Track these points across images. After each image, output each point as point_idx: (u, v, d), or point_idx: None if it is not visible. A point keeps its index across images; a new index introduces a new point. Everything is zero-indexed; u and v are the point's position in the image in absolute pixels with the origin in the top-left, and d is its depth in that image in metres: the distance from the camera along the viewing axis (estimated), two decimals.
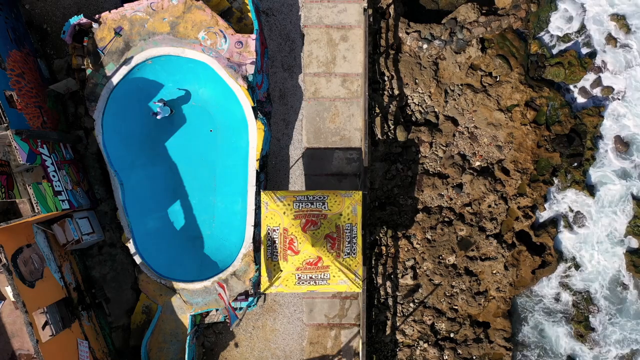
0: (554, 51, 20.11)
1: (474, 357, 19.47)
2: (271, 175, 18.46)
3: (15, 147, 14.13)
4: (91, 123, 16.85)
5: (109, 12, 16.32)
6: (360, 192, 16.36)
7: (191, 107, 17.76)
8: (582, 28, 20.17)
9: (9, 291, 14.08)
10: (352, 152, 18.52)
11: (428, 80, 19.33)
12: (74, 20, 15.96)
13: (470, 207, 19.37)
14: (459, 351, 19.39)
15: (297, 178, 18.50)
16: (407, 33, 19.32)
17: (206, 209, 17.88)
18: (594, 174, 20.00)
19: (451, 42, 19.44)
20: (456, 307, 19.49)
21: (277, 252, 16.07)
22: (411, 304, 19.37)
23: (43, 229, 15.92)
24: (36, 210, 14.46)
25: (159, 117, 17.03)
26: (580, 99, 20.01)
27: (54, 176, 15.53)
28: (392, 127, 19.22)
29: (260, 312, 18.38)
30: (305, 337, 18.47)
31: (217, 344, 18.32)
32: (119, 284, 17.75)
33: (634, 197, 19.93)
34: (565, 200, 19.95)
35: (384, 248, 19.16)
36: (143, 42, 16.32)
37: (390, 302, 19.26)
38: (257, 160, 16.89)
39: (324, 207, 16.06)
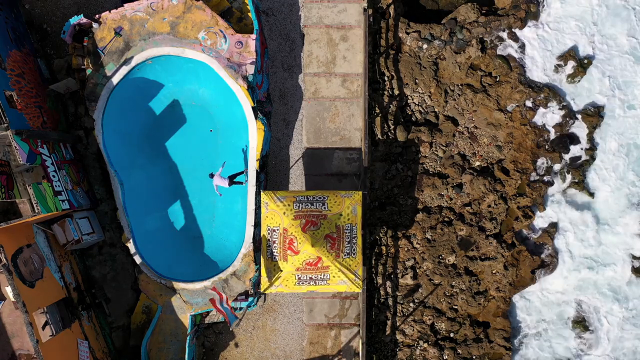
0: (554, 52, 20.09)
1: (474, 357, 19.49)
2: (271, 175, 18.46)
3: (15, 147, 14.13)
4: (91, 123, 16.85)
5: (109, 12, 16.31)
6: (360, 192, 16.38)
7: (191, 107, 17.77)
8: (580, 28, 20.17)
9: (9, 291, 14.07)
10: (352, 152, 18.53)
11: (428, 80, 19.35)
12: (74, 20, 15.96)
13: (470, 207, 19.39)
14: (459, 351, 19.41)
15: (297, 178, 18.51)
16: (407, 33, 19.33)
17: (206, 209, 17.89)
18: (594, 173, 19.99)
19: (451, 42, 19.45)
20: (456, 307, 19.51)
21: (277, 252, 16.08)
22: (411, 304, 19.38)
23: (43, 229, 15.93)
24: (36, 210, 14.46)
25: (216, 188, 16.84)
26: (580, 99, 19.98)
27: (54, 176, 15.52)
28: (392, 127, 19.23)
29: (260, 312, 18.39)
30: (305, 337, 18.48)
31: (217, 344, 18.33)
32: (119, 284, 17.76)
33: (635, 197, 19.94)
34: (565, 200, 19.94)
35: (384, 248, 19.18)
36: (143, 42, 16.32)
37: (390, 302, 19.28)
38: (257, 160, 16.89)
39: (324, 208, 16.07)
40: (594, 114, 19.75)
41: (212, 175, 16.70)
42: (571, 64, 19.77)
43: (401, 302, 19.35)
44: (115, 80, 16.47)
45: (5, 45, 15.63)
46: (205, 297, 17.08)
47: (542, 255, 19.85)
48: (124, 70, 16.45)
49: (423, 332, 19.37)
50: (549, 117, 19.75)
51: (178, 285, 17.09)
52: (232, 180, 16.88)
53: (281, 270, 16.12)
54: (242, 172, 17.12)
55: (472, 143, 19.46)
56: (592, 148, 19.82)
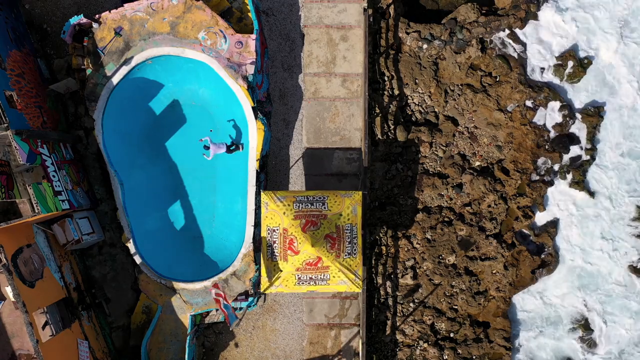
0: (553, 52, 20.09)
1: (474, 357, 19.49)
2: (271, 175, 18.47)
3: (15, 147, 14.13)
4: (91, 123, 16.85)
5: (109, 12, 16.31)
6: (360, 192, 16.38)
7: (191, 107, 17.77)
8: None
9: (9, 291, 14.07)
10: (352, 152, 18.53)
11: (428, 80, 19.35)
12: (74, 20, 15.96)
13: (470, 207, 19.39)
14: (459, 351, 19.41)
15: (297, 178, 18.51)
16: (407, 33, 19.34)
17: (206, 209, 17.89)
18: (594, 174, 19.99)
19: (451, 42, 19.46)
20: (456, 307, 19.51)
21: (277, 253, 16.08)
22: (411, 304, 19.39)
23: (43, 229, 15.92)
24: (36, 210, 14.46)
25: (210, 154, 16.67)
26: (580, 99, 19.98)
27: (54, 176, 15.52)
28: (392, 127, 19.23)
29: (260, 312, 18.40)
30: (305, 337, 18.48)
31: (217, 344, 18.33)
32: (119, 284, 17.76)
33: (635, 199, 19.94)
34: (565, 200, 19.93)
35: (384, 248, 19.18)
36: (143, 42, 16.32)
37: (390, 302, 19.28)
38: (257, 160, 16.90)
39: (324, 208, 16.07)
40: (594, 114, 19.76)
41: (207, 148, 16.74)
42: (571, 64, 19.78)
43: (401, 302, 19.35)
44: (115, 80, 16.47)
45: (5, 45, 15.63)
46: (205, 297, 17.08)
47: (542, 255, 19.85)
48: (124, 70, 16.45)
49: (423, 332, 19.37)
50: (549, 117, 19.75)
51: (178, 285, 17.09)
52: (229, 148, 17.01)
53: (281, 270, 16.12)
54: (233, 144, 17.19)
55: (472, 143, 19.46)
56: (592, 148, 19.83)
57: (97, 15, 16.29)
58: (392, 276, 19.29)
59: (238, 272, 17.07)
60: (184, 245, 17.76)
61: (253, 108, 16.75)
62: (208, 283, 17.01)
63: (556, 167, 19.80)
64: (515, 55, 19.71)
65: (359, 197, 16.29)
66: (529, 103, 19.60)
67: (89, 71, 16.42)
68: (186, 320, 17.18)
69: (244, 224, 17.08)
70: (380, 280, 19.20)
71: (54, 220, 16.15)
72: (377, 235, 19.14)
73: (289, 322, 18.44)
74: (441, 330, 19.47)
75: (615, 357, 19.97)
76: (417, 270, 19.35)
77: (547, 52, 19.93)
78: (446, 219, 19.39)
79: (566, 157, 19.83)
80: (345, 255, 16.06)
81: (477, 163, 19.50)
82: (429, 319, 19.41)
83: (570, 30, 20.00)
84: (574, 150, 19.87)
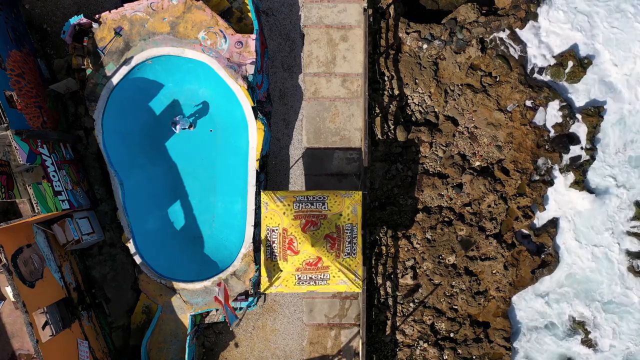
0: (553, 52, 20.09)
1: (474, 357, 19.49)
2: (271, 175, 18.47)
3: (15, 147, 14.13)
4: (91, 123, 16.85)
5: (109, 12, 16.32)
6: (360, 192, 16.38)
7: (191, 107, 17.77)
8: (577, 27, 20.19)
9: (9, 291, 14.08)
10: (352, 152, 18.53)
11: (428, 80, 19.35)
12: (74, 20, 15.96)
13: (470, 207, 19.39)
14: (459, 351, 19.41)
15: (297, 178, 18.52)
16: (407, 33, 19.34)
17: (206, 209, 17.89)
18: (594, 174, 19.99)
19: (451, 42, 19.46)
20: (456, 307, 19.52)
21: (276, 253, 16.08)
22: (411, 304, 19.39)
23: (43, 229, 15.93)
24: (36, 210, 14.47)
25: (177, 128, 17.02)
26: (580, 99, 19.99)
27: (54, 176, 15.53)
28: (392, 127, 19.23)
29: (260, 312, 18.40)
30: (305, 337, 18.49)
31: (217, 344, 18.33)
32: (119, 284, 17.76)
33: (635, 199, 19.94)
34: (565, 200, 19.93)
35: (384, 248, 19.18)
36: (143, 42, 16.33)
37: (390, 302, 19.28)
38: (257, 160, 16.90)
39: (324, 208, 16.07)
40: (594, 114, 19.76)
41: (174, 124, 16.96)
42: (571, 64, 19.78)
43: (401, 302, 19.35)
44: (115, 80, 16.47)
45: (5, 45, 15.63)
46: (205, 297, 17.08)
47: (542, 255, 19.85)
48: (124, 70, 16.45)
49: (423, 332, 19.37)
50: (549, 117, 19.76)
51: (178, 285, 17.09)
52: (190, 124, 17.35)
53: (281, 270, 16.12)
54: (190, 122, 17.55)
55: (472, 143, 19.46)
56: (592, 148, 19.83)
57: (97, 15, 16.30)
58: (392, 276, 19.29)
59: (238, 272, 17.07)
60: (184, 245, 17.76)
61: (253, 108, 16.76)
62: (208, 283, 17.02)
63: (556, 167, 19.80)
64: (515, 55, 19.73)
65: (359, 197, 16.29)
66: (529, 103, 19.61)
67: (89, 71, 16.43)
68: (186, 320, 17.18)
69: (244, 224, 17.09)
70: (380, 280, 19.20)
71: (54, 220, 16.15)
72: (377, 235, 19.14)
73: (289, 322, 18.45)
74: (441, 330, 19.48)
75: (615, 357, 19.96)
76: (417, 270, 19.35)
77: (547, 52, 19.94)
78: (446, 219, 19.39)
79: (566, 157, 19.83)
80: (345, 255, 16.06)
81: (477, 163, 19.50)
82: (429, 319, 19.41)
83: (570, 30, 20.01)
84: (574, 150, 19.87)
